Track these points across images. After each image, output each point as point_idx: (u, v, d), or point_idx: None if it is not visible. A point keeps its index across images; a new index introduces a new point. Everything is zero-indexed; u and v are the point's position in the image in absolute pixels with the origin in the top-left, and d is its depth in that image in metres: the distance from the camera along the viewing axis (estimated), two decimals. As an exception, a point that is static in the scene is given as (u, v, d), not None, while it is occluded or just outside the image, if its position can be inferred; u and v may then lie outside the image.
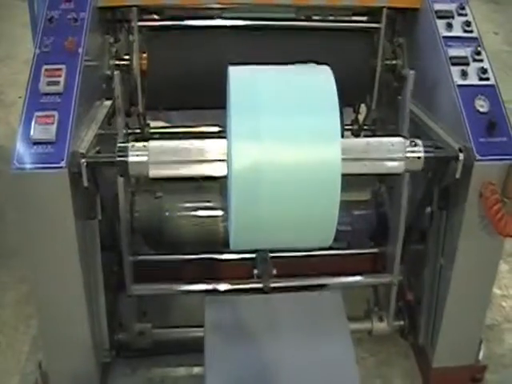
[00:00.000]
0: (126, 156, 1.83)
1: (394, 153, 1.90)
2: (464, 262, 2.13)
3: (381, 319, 2.48)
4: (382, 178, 2.51)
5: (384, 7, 2.41)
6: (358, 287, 2.62)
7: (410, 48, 2.47)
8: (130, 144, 1.84)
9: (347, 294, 2.30)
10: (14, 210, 1.90)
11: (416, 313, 2.44)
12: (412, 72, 2.12)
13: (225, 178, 1.79)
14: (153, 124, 2.70)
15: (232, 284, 2.39)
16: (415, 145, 1.94)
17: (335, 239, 1.83)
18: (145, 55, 2.44)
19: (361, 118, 2.86)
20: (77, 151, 1.85)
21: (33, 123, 1.86)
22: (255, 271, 2.19)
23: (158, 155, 1.83)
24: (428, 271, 2.32)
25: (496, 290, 2.92)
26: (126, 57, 2.41)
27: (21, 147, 1.83)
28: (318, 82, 1.78)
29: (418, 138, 2.01)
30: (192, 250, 2.50)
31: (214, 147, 1.85)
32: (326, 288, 2.41)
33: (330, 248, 1.94)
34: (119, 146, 1.84)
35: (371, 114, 2.68)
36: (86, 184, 1.85)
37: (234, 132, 1.64)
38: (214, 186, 2.43)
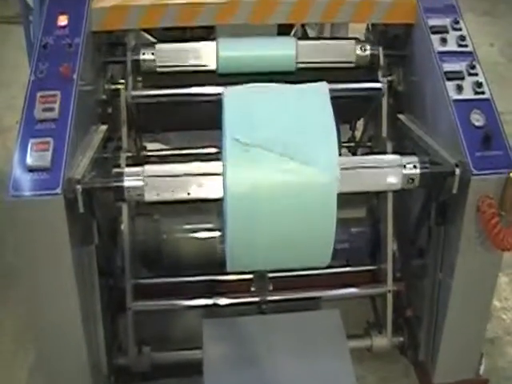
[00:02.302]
0: (122, 181, 1.84)
1: (391, 170, 1.90)
2: (463, 276, 2.12)
3: (380, 333, 2.46)
4: (379, 194, 2.51)
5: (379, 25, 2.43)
6: (356, 303, 2.62)
7: (405, 64, 2.47)
8: (125, 169, 1.84)
9: (346, 312, 2.30)
10: (13, 236, 1.91)
11: (416, 329, 2.43)
12: (385, 80, 2.20)
13: (221, 200, 1.79)
14: (150, 146, 2.71)
15: (230, 298, 2.40)
16: (411, 161, 1.94)
17: (333, 257, 1.83)
18: (140, 78, 2.44)
19: (358, 134, 2.87)
20: (72, 177, 1.85)
21: (28, 150, 1.86)
22: (252, 288, 2.19)
23: (153, 179, 1.84)
24: (427, 286, 2.31)
25: (496, 303, 2.91)
26: (122, 81, 2.41)
27: (16, 174, 1.83)
28: (313, 102, 1.79)
29: (414, 154, 2.02)
30: (191, 270, 2.49)
31: (209, 170, 1.86)
32: (322, 299, 2.42)
33: (328, 266, 1.95)
34: (114, 171, 1.85)
35: (368, 130, 2.69)
36: (81, 210, 1.86)
37: (229, 155, 1.64)
38: (212, 207, 2.43)
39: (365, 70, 2.48)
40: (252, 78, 2.13)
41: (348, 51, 2.42)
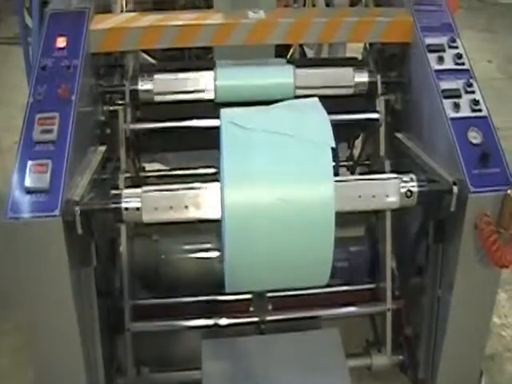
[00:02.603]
0: (120, 203, 1.84)
1: (388, 189, 1.91)
2: (462, 293, 2.12)
3: (379, 352, 2.46)
4: (378, 212, 2.51)
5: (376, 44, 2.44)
6: (355, 322, 2.60)
7: (402, 82, 2.48)
8: (123, 191, 1.85)
9: (345, 331, 2.29)
10: (11, 258, 1.90)
11: (415, 347, 2.42)
12: (382, 109, 2.21)
13: (219, 220, 1.80)
14: (148, 166, 2.71)
15: (229, 318, 2.39)
16: (409, 180, 1.94)
17: (332, 276, 1.83)
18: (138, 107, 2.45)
19: (356, 152, 2.87)
20: (70, 199, 1.85)
21: (26, 172, 1.87)
22: (251, 308, 2.18)
23: (151, 201, 1.85)
24: (426, 304, 2.30)
25: (495, 320, 2.91)
26: (120, 102, 2.42)
27: (15, 196, 1.84)
28: (310, 121, 1.80)
29: (412, 172, 2.03)
30: (190, 291, 2.49)
31: (206, 191, 1.87)
32: (321, 318, 2.42)
33: (327, 285, 1.94)
34: (112, 193, 1.86)
35: (366, 149, 2.69)
36: (80, 231, 1.86)
37: (226, 175, 1.65)
38: (210, 227, 2.42)
39: (363, 96, 2.48)
40: (250, 106, 2.13)
41: (346, 79, 2.42)
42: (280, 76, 2.40)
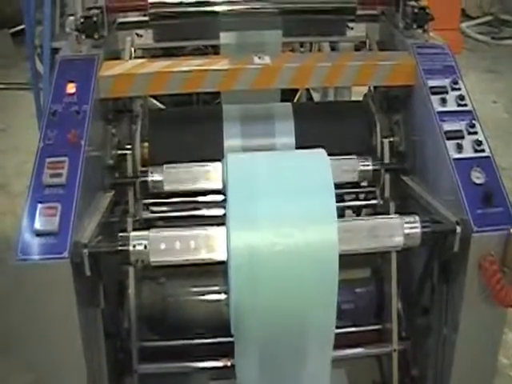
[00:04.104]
0: (127, 245, 1.88)
1: (392, 230, 1.93)
2: (467, 333, 2.12)
3: None
4: (384, 253, 2.51)
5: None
6: (362, 363, 2.59)
7: (406, 124, 2.52)
8: (130, 233, 1.89)
9: (352, 372, 2.28)
10: (19, 300, 1.93)
11: None
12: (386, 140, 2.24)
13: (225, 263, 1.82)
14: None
15: None
16: (412, 221, 1.97)
17: (338, 317, 1.84)
18: (146, 144, 2.50)
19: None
20: (79, 241, 1.88)
21: (36, 215, 1.90)
22: None
23: (158, 243, 1.89)
24: (432, 344, 2.30)
25: (504, 360, 2.89)
26: (128, 146, 2.47)
27: (24, 238, 1.87)
28: (313, 168, 1.84)
29: (416, 213, 2.05)
30: (197, 333, 2.49)
31: (213, 235, 1.90)
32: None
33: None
34: (120, 236, 1.89)
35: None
36: (88, 273, 1.89)
37: (232, 221, 1.69)
38: (218, 270, 2.43)
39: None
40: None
41: (351, 169, 2.44)
42: None
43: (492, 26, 8.50)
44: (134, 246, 1.90)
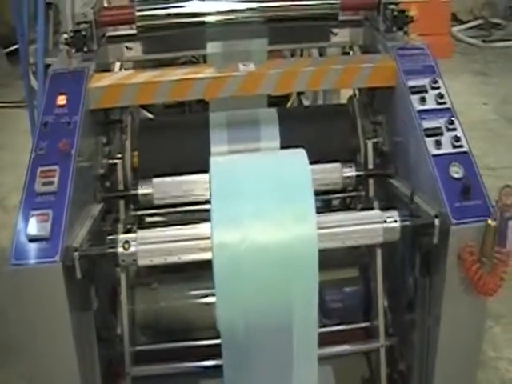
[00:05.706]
0: (116, 247, 1.95)
1: (371, 224, 1.99)
2: (449, 324, 2.16)
3: None
4: (372, 252, 2.56)
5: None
6: (350, 360, 2.62)
7: (389, 125, 2.57)
8: (119, 236, 1.96)
9: (340, 369, 2.31)
10: (14, 307, 1.99)
11: (409, 381, 2.45)
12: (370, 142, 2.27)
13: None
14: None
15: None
16: (392, 215, 2.03)
17: (326, 316, 1.88)
18: (136, 153, 2.57)
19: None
20: (70, 245, 1.95)
21: (29, 221, 1.97)
22: None
23: (145, 244, 1.96)
24: (417, 338, 2.34)
25: (491, 353, 2.93)
26: (119, 155, 2.53)
27: (18, 244, 1.94)
28: (292, 166, 1.91)
29: (395, 208, 2.11)
30: (190, 336, 2.54)
31: (199, 233, 1.96)
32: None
33: (321, 325, 2.00)
34: (109, 239, 1.96)
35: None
36: (79, 276, 1.95)
37: (215, 219, 1.76)
38: (209, 273, 2.50)
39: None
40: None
41: (334, 175, 2.52)
42: None
43: (483, 29, 8.59)
44: (123, 248, 1.97)
